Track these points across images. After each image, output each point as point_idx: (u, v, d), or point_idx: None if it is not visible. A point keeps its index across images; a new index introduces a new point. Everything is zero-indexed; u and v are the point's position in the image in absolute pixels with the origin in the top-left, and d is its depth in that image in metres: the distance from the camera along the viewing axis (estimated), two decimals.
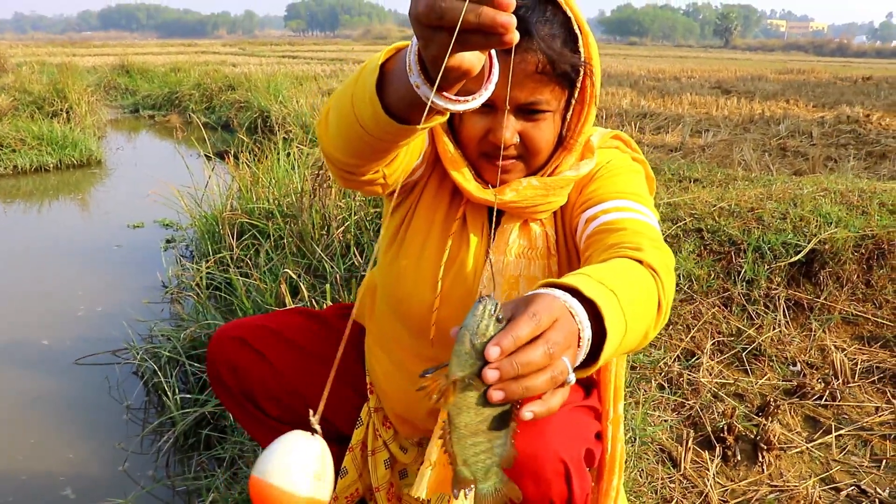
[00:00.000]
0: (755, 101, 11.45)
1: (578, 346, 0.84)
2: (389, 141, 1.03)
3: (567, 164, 1.32)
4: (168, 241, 5.15)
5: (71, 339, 3.57)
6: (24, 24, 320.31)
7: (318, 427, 0.94)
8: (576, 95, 1.26)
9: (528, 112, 1.23)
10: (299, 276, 3.13)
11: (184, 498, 2.35)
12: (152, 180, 4.82)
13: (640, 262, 1.05)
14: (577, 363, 0.86)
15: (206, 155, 4.78)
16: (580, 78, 1.24)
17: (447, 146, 1.32)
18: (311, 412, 0.90)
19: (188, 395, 2.76)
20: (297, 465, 0.90)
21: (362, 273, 3.11)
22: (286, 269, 3.13)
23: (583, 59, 1.22)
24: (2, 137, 7.96)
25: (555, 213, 1.38)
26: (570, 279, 0.90)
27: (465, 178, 1.32)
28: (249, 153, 4.77)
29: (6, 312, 3.93)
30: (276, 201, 4.12)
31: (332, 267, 3.28)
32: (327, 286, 2.95)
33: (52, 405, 2.96)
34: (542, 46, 1.15)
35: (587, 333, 0.85)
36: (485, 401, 0.79)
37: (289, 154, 4.82)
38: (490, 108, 1.22)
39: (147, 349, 3.18)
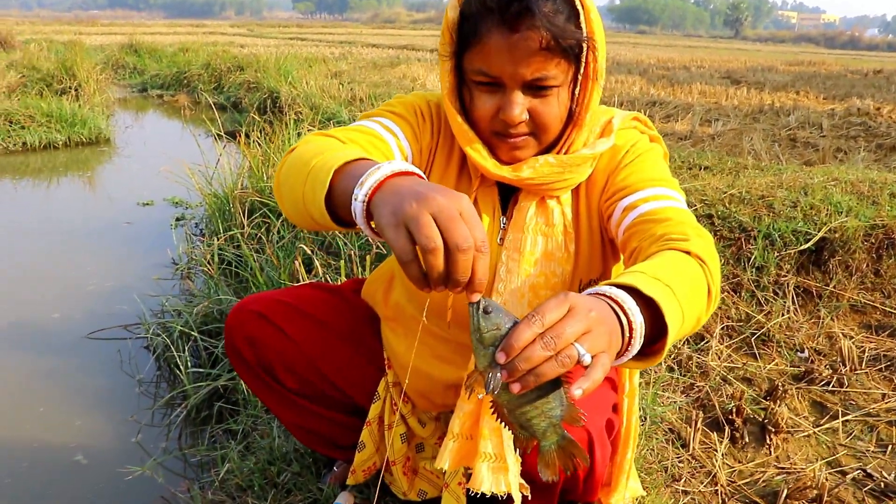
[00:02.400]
0: (765, 92, 11.40)
1: (629, 334, 0.92)
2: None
3: (581, 141, 1.33)
4: (178, 219, 5.16)
5: (82, 313, 3.59)
6: (30, 2, 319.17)
7: None
8: (581, 70, 1.26)
9: (535, 88, 1.23)
10: (313, 253, 3.15)
11: (196, 469, 2.39)
12: (162, 159, 4.84)
13: (689, 252, 1.09)
14: (631, 348, 0.93)
15: (216, 134, 4.79)
16: (585, 53, 1.24)
17: (462, 125, 1.32)
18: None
19: (200, 370, 2.78)
20: None
21: (376, 250, 3.12)
22: (300, 245, 3.15)
23: (585, 35, 1.21)
24: (11, 114, 7.97)
25: (573, 191, 1.39)
26: (628, 278, 0.95)
27: (481, 155, 1.32)
28: (260, 132, 4.78)
29: (16, 287, 3.96)
30: None
31: (345, 243, 3.30)
32: (342, 262, 2.96)
33: (64, 378, 2.99)
34: (544, 23, 1.15)
35: (638, 321, 0.91)
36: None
37: (299, 134, 4.83)
38: (498, 86, 1.23)
39: (159, 324, 3.20)
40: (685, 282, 1.01)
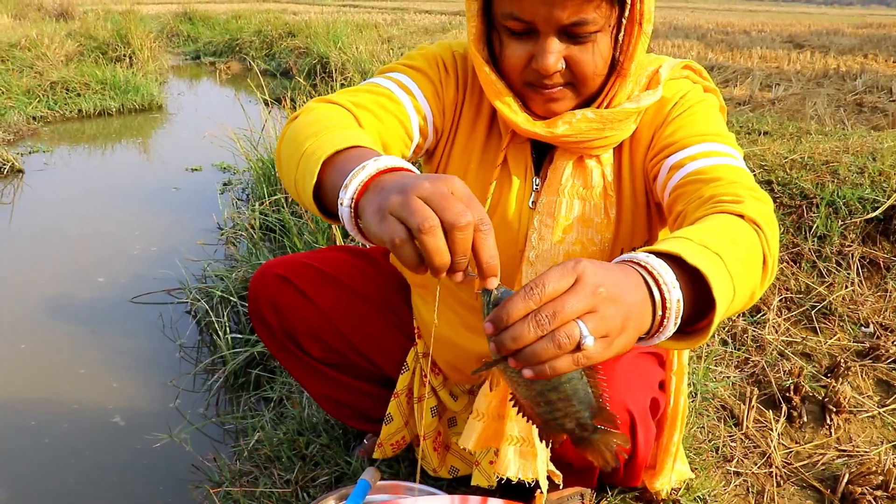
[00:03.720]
0: (830, 56, 10.92)
1: (661, 313, 0.78)
2: None
3: (624, 94, 1.19)
4: (225, 185, 5.17)
5: (126, 277, 3.61)
6: None
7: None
8: (626, 14, 1.12)
9: (572, 34, 1.08)
10: None
11: (232, 436, 2.36)
12: (211, 124, 4.81)
13: (742, 216, 0.95)
14: (663, 329, 0.79)
15: (263, 100, 4.75)
16: None
17: (489, 76, 1.19)
18: None
19: (239, 336, 2.76)
20: None
21: None
22: None
23: None
24: (67, 81, 8.10)
25: (615, 149, 1.26)
26: (670, 245, 0.81)
27: (511, 109, 1.19)
28: (307, 97, 4.72)
29: (64, 251, 4.00)
30: None
31: None
32: None
33: (106, 341, 3.00)
34: None
35: (674, 296, 0.78)
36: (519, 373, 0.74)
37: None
38: (531, 31, 1.09)
39: (200, 289, 3.18)
40: (737, 250, 0.87)
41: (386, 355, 1.57)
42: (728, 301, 0.83)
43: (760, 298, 2.62)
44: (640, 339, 0.80)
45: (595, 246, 1.24)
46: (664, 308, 0.78)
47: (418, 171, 0.86)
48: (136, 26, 10.81)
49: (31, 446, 2.33)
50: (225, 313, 2.85)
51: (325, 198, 0.93)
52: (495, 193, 1.27)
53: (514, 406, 0.85)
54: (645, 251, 0.82)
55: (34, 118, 7.23)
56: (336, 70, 7.95)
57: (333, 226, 2.84)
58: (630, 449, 1.18)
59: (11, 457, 2.28)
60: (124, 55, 10.07)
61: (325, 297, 1.49)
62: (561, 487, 1.20)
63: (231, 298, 2.91)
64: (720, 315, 0.81)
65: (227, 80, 11.29)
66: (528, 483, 1.16)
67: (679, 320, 0.79)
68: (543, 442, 0.86)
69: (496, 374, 0.83)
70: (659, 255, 0.81)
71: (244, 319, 2.89)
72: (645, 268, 0.79)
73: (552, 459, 1.23)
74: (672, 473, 1.48)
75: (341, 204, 0.84)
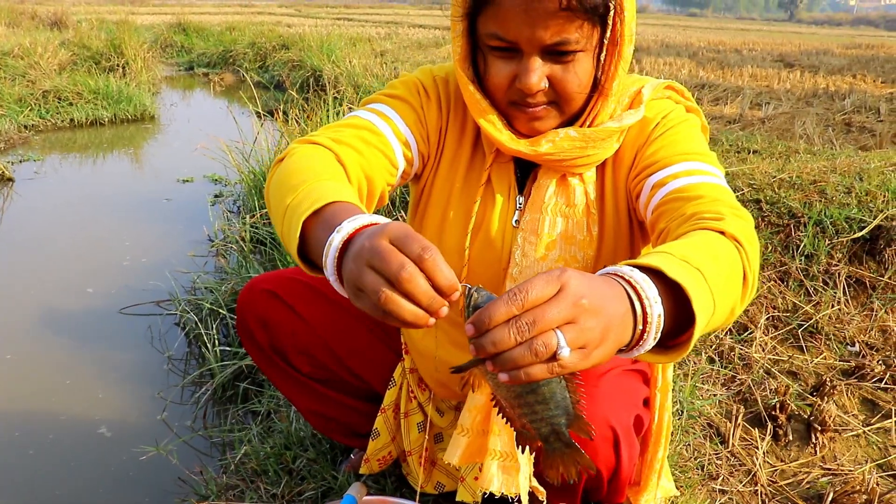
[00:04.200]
0: (819, 76, 11.04)
1: (642, 325, 0.80)
2: None
3: (606, 113, 1.21)
4: (216, 196, 5.17)
5: (116, 288, 3.60)
6: None
7: None
8: (607, 35, 1.13)
9: (555, 53, 1.11)
10: None
11: (219, 449, 2.36)
12: (203, 136, 4.82)
13: (723, 233, 0.97)
14: (643, 342, 0.81)
15: (256, 112, 4.76)
16: (611, 15, 1.11)
17: (474, 94, 1.21)
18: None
19: (228, 348, 2.75)
20: None
21: None
22: None
23: None
24: (60, 90, 8.10)
25: (598, 168, 1.28)
26: (652, 259, 0.84)
27: (495, 127, 1.21)
28: (300, 110, 4.73)
29: (54, 261, 3.99)
30: None
31: None
32: None
33: (94, 352, 3.00)
34: None
35: (655, 310, 0.80)
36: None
37: (339, 113, 4.77)
38: (515, 51, 1.12)
39: (189, 301, 3.18)
40: (718, 265, 0.90)
41: (373, 371, 1.58)
42: (708, 315, 0.84)
43: (748, 317, 2.64)
44: (620, 350, 0.82)
45: (578, 263, 1.26)
46: (645, 322, 0.80)
47: (380, 219, 0.89)
48: (130, 36, 10.82)
49: (16, 458, 2.32)
50: (214, 326, 2.85)
51: (308, 249, 0.96)
52: (479, 212, 1.30)
53: (494, 405, 0.87)
54: (628, 265, 0.84)
55: (25, 127, 7.24)
56: (329, 83, 7.98)
57: None
58: (612, 462, 1.19)
59: None
60: (118, 65, 10.08)
61: (314, 312, 1.50)
62: None
63: (220, 311, 2.91)
64: (700, 330, 0.83)
65: (220, 92, 11.31)
66: (512, 498, 1.17)
67: (659, 335, 0.81)
68: (520, 449, 0.88)
69: (477, 375, 0.85)
70: (641, 269, 0.83)
71: (233, 332, 2.89)
72: (629, 281, 0.81)
73: (535, 475, 1.24)
74: (657, 490, 1.48)
75: (329, 275, 0.88)
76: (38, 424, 2.50)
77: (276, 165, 1.12)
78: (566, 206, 1.25)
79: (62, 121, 7.68)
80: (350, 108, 4.97)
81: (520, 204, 1.29)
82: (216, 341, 2.75)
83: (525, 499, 1.18)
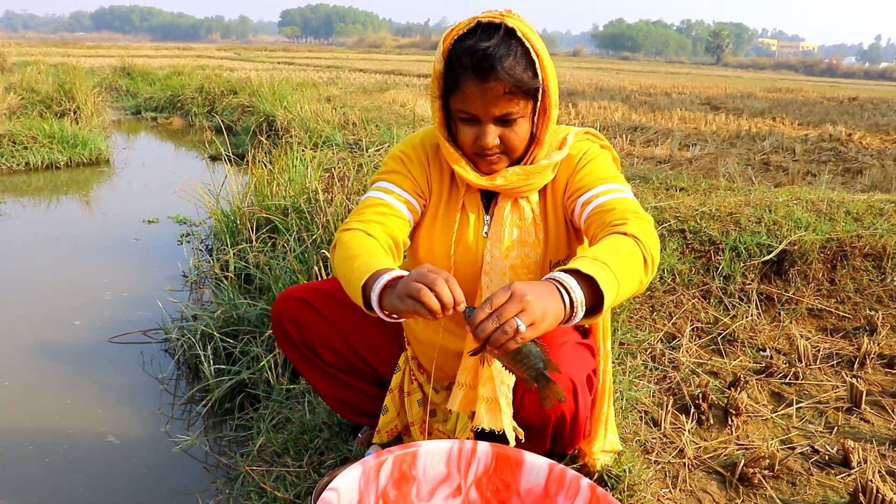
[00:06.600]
0: (743, 118, 11.84)
1: (570, 307, 1.29)
2: None
3: (542, 155, 1.69)
4: (184, 235, 5.45)
5: (102, 320, 3.86)
6: (16, 23, 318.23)
7: None
8: (538, 104, 1.62)
9: (503, 121, 1.59)
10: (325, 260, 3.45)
11: (235, 445, 2.66)
12: (161, 179, 5.12)
13: (626, 233, 1.45)
14: (575, 315, 1.30)
15: (226, 156, 5.09)
16: (540, 91, 1.60)
17: (449, 148, 1.69)
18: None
19: (222, 367, 3.06)
20: None
21: None
22: (322, 251, 3.47)
23: (540, 79, 1.58)
24: (15, 135, 8.22)
25: (540, 192, 1.75)
26: (573, 263, 1.34)
27: (465, 170, 1.69)
28: (266, 154, 5.08)
29: (36, 297, 4.22)
30: (292, 199, 4.43)
31: None
32: None
33: (91, 376, 3.25)
34: (506, 76, 1.51)
35: (577, 295, 1.29)
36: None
37: (298, 158, 5.14)
38: (476, 120, 1.59)
39: (180, 327, 3.48)
40: (620, 257, 1.37)
41: (382, 359, 2.00)
42: (615, 291, 1.32)
43: (676, 327, 3.09)
44: (562, 322, 1.30)
45: (531, 259, 1.73)
46: (572, 304, 1.29)
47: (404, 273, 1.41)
48: (81, 81, 10.96)
49: (36, 466, 2.55)
50: (208, 347, 3.15)
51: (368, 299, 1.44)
52: (458, 229, 1.76)
53: (504, 368, 1.39)
54: (559, 270, 1.33)
55: None
56: (282, 128, 8.33)
57: (318, 265, 3.24)
58: (573, 407, 1.62)
59: (17, 479, 2.50)
60: (69, 109, 10.20)
61: (336, 315, 1.91)
62: (522, 442, 1.62)
63: (213, 333, 3.21)
64: (609, 300, 1.31)
65: (168, 135, 11.53)
66: (498, 433, 1.60)
67: (583, 309, 1.30)
68: (513, 394, 1.44)
69: (486, 355, 1.37)
70: (568, 270, 1.32)
71: (223, 354, 3.19)
72: (558, 280, 1.30)
73: (515, 419, 1.66)
74: (605, 441, 1.94)
75: (380, 312, 1.42)
76: (48, 437, 2.73)
77: (333, 249, 1.63)
78: (519, 220, 1.73)
79: (17, 164, 7.81)
80: (303, 152, 5.36)
81: (487, 221, 1.76)
82: (211, 361, 3.06)
83: (511, 434, 1.59)
